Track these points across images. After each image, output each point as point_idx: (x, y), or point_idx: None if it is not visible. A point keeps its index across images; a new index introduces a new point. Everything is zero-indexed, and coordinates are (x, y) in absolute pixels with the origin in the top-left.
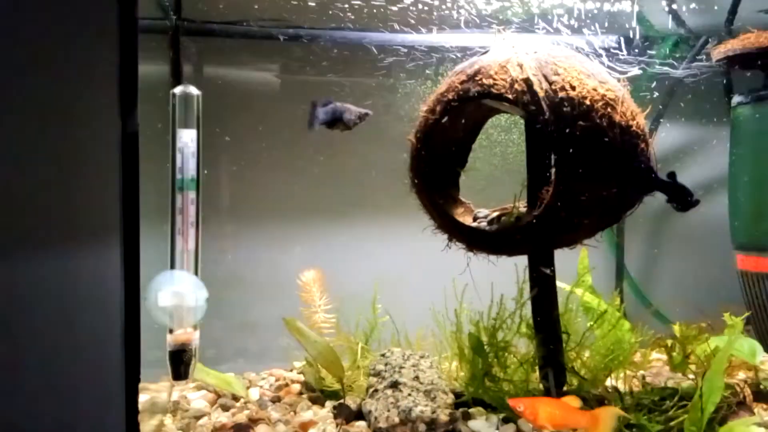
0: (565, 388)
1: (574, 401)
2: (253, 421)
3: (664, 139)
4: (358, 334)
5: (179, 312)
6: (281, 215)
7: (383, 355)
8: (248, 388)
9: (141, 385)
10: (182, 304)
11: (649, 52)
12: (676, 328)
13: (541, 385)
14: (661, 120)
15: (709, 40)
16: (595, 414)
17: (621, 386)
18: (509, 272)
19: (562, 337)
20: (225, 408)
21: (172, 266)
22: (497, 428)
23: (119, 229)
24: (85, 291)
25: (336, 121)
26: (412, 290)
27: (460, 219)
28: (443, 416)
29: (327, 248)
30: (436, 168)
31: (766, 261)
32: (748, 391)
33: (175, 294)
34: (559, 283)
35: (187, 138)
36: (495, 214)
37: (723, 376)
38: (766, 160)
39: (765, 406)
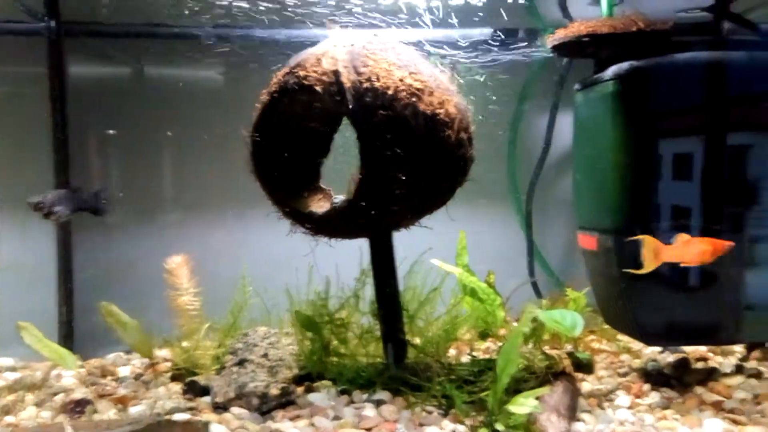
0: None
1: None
2: (101, 396)
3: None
4: (228, 315)
5: None
6: (177, 206)
7: (245, 334)
8: (124, 366)
9: (20, 365)
10: None
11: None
12: (543, 302)
13: (380, 359)
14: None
15: None
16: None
17: (454, 358)
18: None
19: (402, 314)
20: (89, 384)
21: None
22: (333, 399)
23: None
24: None
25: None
26: (300, 273)
27: (314, 206)
28: (275, 390)
29: (220, 235)
30: (282, 157)
31: (593, 239)
32: (567, 362)
33: None
34: (434, 261)
35: None
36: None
37: (519, 349)
38: (589, 144)
39: (583, 375)
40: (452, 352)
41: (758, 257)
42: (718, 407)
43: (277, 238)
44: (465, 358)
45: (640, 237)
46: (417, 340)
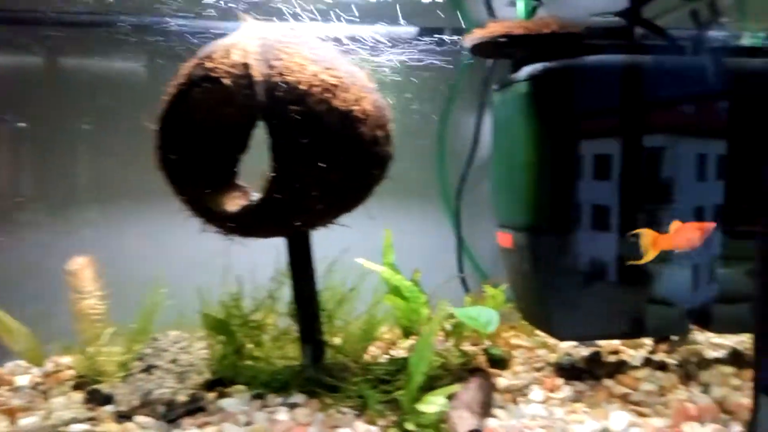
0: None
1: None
2: None
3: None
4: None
5: None
6: (91, 203)
7: (155, 339)
8: (23, 374)
9: None
10: None
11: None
12: (466, 299)
13: (297, 361)
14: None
15: None
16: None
17: (376, 357)
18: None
19: (319, 314)
20: None
21: None
22: (246, 404)
23: None
24: None
25: None
26: (220, 273)
27: (230, 204)
28: (182, 397)
29: (136, 235)
30: (192, 152)
31: (509, 236)
32: (483, 359)
33: None
34: (359, 260)
35: None
36: None
37: (432, 346)
38: (504, 144)
39: (500, 371)
40: (376, 351)
41: (667, 254)
42: (625, 399)
43: (197, 237)
44: (386, 357)
45: (638, 231)
46: (337, 341)
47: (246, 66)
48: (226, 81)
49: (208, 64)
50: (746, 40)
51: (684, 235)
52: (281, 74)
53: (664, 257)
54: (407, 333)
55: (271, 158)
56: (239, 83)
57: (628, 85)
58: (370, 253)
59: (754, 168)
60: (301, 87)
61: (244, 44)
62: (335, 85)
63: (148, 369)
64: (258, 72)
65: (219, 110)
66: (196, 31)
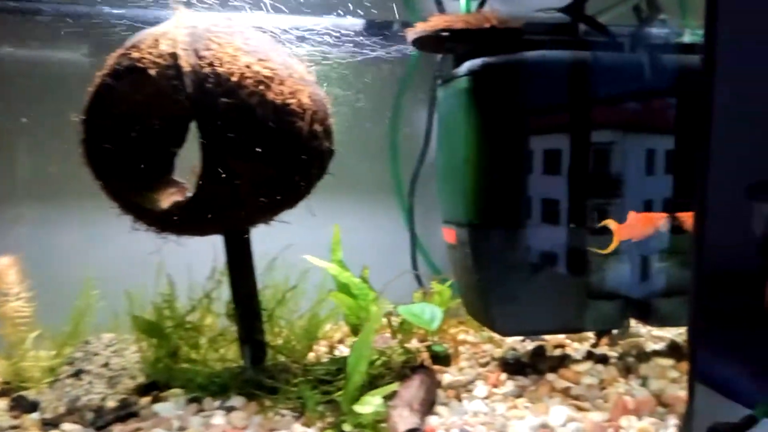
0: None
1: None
2: None
3: None
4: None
5: None
6: (23, 200)
7: (87, 342)
8: None
9: None
10: None
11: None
12: (415, 296)
13: (236, 363)
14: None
15: None
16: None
17: (319, 357)
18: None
19: (260, 314)
20: None
21: None
22: (182, 409)
23: None
24: None
25: None
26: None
27: (165, 200)
28: (112, 402)
29: (71, 233)
30: (120, 145)
31: (453, 232)
32: (425, 356)
33: None
34: (308, 257)
35: None
36: None
37: (370, 344)
38: (447, 139)
39: (445, 367)
40: (323, 350)
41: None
42: (566, 394)
43: (135, 235)
44: (330, 357)
45: (605, 222)
46: (279, 341)
47: (174, 56)
48: (153, 72)
49: (135, 54)
50: (687, 37)
51: (641, 224)
52: (211, 65)
53: (616, 250)
54: (356, 331)
55: (201, 153)
56: (166, 74)
57: (566, 81)
58: (318, 250)
59: (691, 163)
60: (233, 79)
61: (174, 33)
62: (269, 77)
63: (78, 374)
64: (186, 62)
65: (151, 102)
66: (142, 20)
